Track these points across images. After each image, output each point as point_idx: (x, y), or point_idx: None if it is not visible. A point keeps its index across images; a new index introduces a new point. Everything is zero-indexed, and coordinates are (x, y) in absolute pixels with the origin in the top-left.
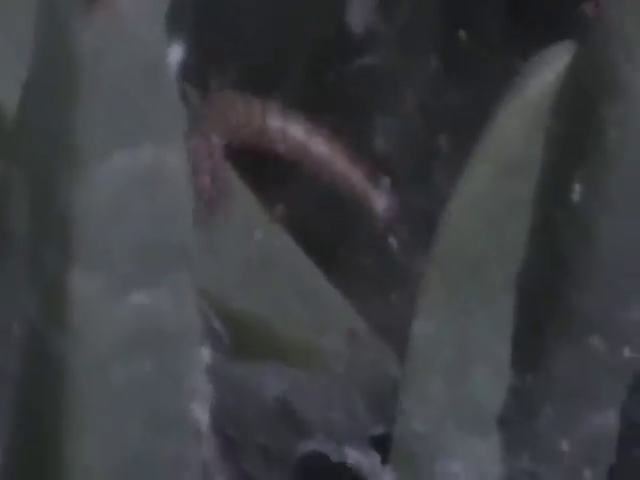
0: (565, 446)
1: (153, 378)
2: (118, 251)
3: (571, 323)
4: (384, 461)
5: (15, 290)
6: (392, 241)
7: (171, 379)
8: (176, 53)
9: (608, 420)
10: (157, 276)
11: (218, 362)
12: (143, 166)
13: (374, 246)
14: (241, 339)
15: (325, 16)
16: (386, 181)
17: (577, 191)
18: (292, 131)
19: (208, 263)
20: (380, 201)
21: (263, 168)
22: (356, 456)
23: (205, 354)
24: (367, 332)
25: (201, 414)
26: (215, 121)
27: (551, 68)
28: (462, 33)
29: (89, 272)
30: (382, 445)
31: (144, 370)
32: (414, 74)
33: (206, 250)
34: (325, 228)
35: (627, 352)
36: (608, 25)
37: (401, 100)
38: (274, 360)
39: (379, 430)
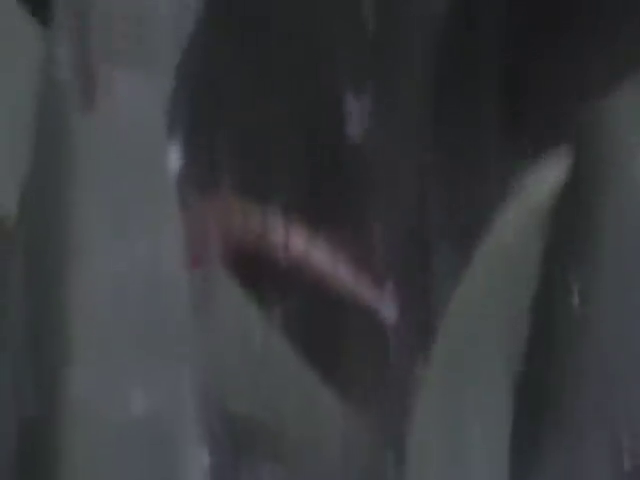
0: None
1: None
2: (114, 345)
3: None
4: None
5: (13, 381)
6: (392, 346)
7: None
8: (174, 153)
9: None
10: (154, 371)
11: (217, 463)
12: (140, 261)
13: (374, 350)
14: (239, 440)
15: (323, 120)
16: (389, 288)
17: (574, 295)
18: (293, 240)
19: (207, 365)
20: (384, 309)
21: (263, 272)
22: None
23: (204, 456)
24: (364, 434)
25: None
26: (214, 226)
27: (550, 173)
28: (459, 136)
29: (85, 365)
30: None
31: (140, 469)
32: (411, 178)
33: (205, 353)
34: (322, 330)
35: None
36: (602, 127)
37: (398, 204)
38: (271, 461)
39: None
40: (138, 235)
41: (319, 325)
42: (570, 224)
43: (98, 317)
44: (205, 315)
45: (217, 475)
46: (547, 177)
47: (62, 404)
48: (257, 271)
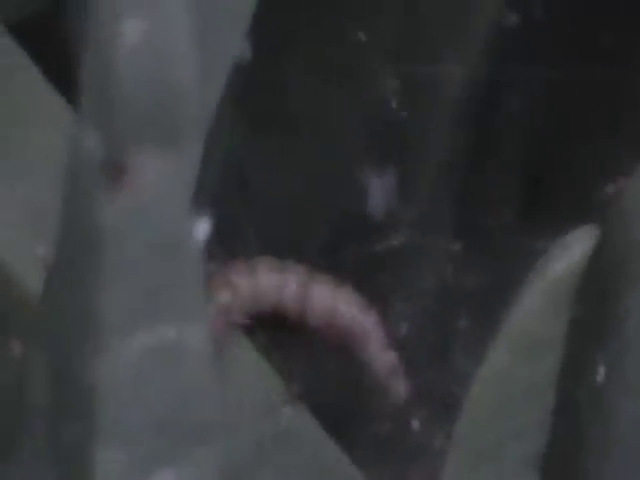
0: None
1: None
2: (141, 428)
3: None
4: None
5: (36, 468)
6: (412, 420)
7: None
8: (201, 229)
9: None
10: (181, 453)
11: None
12: (165, 343)
13: (393, 423)
14: None
15: (345, 198)
16: (402, 366)
17: (599, 373)
18: (317, 300)
19: (225, 441)
20: (400, 384)
21: (279, 341)
22: None
23: None
24: None
25: None
26: (237, 293)
27: (574, 251)
28: (480, 216)
29: (112, 449)
30: None
31: None
32: (433, 256)
33: (223, 427)
34: (343, 404)
35: None
36: (627, 207)
37: (420, 281)
38: None
39: None
40: (165, 318)
41: (336, 395)
42: (596, 301)
43: (123, 400)
44: (229, 389)
45: None
46: (572, 253)
47: None
48: (275, 340)
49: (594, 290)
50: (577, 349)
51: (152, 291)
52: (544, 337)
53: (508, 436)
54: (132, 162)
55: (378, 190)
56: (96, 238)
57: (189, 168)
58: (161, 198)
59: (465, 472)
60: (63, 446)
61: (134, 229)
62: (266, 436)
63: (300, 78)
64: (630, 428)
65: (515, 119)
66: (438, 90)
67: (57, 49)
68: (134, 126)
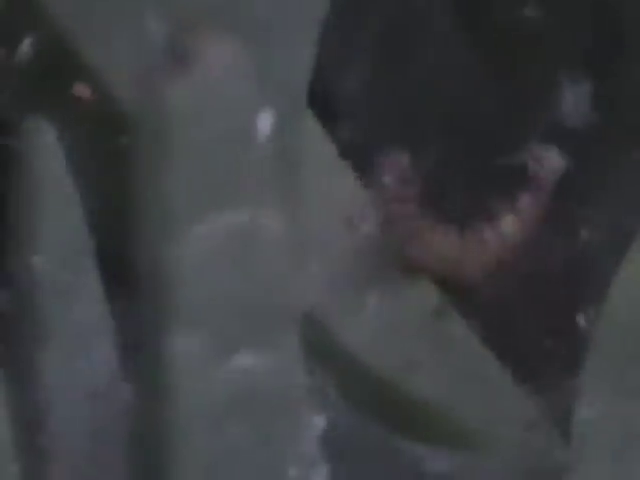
0: None
1: (252, 442)
2: (219, 312)
3: None
4: None
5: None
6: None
7: (270, 444)
8: (267, 116)
9: None
10: (260, 338)
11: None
12: (238, 227)
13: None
14: (412, 420)
15: (539, 105)
16: None
17: None
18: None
19: (389, 344)
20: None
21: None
22: None
23: (319, 420)
24: (540, 420)
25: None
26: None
27: None
28: None
29: (186, 334)
30: None
31: (243, 433)
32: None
33: (388, 330)
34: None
35: None
36: None
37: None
38: (444, 443)
39: None
40: (233, 203)
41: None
42: None
43: (194, 285)
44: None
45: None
46: None
47: (166, 369)
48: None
49: None
50: None
51: (221, 175)
52: None
53: None
54: (196, 48)
55: (573, 97)
56: (161, 122)
57: (257, 56)
58: (227, 86)
59: (606, 377)
60: (135, 331)
61: (199, 114)
62: (421, 341)
63: None
64: None
65: None
66: None
67: None
68: (200, 13)
